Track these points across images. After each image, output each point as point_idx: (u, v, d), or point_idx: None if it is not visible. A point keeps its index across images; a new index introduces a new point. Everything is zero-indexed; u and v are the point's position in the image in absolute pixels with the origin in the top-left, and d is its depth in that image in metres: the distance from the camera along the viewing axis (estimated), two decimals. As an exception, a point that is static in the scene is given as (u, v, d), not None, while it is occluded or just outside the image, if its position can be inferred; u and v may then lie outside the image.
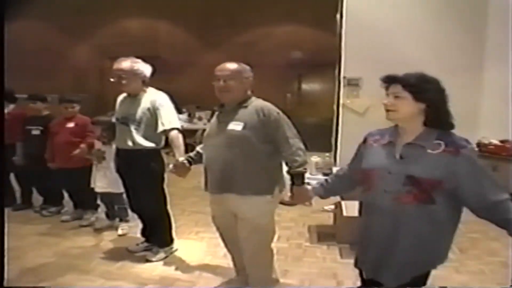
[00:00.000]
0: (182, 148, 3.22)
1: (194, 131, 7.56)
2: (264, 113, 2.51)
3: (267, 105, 2.58)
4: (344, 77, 5.73)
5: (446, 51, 5.17)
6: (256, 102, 2.60)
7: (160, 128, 3.30)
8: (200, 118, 8.49)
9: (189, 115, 8.56)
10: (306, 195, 2.41)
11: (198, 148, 2.96)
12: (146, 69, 3.42)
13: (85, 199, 4.61)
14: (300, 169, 2.48)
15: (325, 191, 2.28)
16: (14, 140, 4.80)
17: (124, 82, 3.31)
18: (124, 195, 3.94)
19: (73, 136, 4.35)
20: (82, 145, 4.23)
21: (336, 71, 5.90)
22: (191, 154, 2.95)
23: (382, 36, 5.41)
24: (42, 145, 4.56)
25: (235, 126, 2.50)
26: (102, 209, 4.61)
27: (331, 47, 8.48)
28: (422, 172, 1.69)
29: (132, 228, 4.26)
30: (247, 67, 2.66)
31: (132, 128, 3.32)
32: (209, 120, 8.02)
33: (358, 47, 5.46)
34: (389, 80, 1.81)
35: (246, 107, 2.57)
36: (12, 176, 5.14)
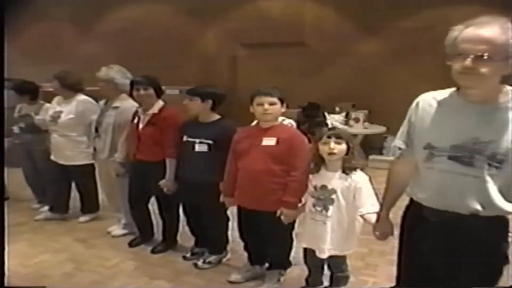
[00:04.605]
0: None
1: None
2: None
3: None
4: None
5: None
6: None
7: None
8: (357, 120, 6.63)
9: (347, 115, 6.72)
10: None
11: None
12: None
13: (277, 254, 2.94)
14: None
15: None
16: (164, 155, 3.23)
17: (484, 70, 1.50)
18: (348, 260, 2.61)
19: (273, 161, 2.61)
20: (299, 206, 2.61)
21: None
22: None
23: None
24: (211, 169, 2.92)
25: None
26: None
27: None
28: None
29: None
30: None
31: (472, 171, 1.57)
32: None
33: None
34: None
35: None
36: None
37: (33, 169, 4.40)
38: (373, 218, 2.19)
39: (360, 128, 6.52)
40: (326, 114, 5.55)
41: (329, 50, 7.48)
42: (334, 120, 6.20)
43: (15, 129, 4.39)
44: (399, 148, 1.88)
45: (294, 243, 2.91)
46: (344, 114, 6.73)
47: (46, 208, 4.36)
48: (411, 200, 1.89)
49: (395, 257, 3.28)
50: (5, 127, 4.26)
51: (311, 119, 4.98)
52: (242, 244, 3.08)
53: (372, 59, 7.20)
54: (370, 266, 3.31)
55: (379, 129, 6.71)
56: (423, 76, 6.79)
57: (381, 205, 2.05)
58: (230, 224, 3.26)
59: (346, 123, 6.55)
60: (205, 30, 8.30)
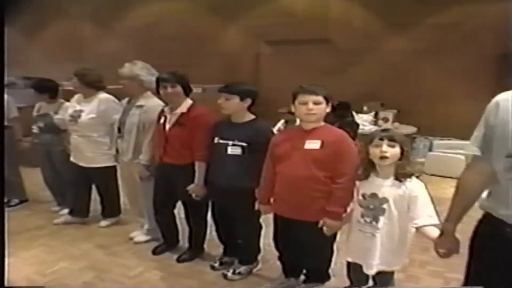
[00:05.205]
0: None
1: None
2: None
3: None
4: None
5: None
6: None
7: None
8: (386, 120, 6.34)
9: (375, 115, 6.44)
10: None
11: None
12: None
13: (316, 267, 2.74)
14: None
15: None
16: (193, 158, 3.01)
17: None
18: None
19: (317, 166, 2.36)
20: (344, 216, 2.38)
21: None
22: None
23: None
24: (245, 174, 2.71)
25: None
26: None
27: None
28: None
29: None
30: None
31: None
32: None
33: None
34: None
35: None
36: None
37: (52, 170, 4.22)
38: (432, 231, 1.96)
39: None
40: (354, 113, 5.32)
41: (355, 47, 7.20)
42: (363, 120, 5.95)
43: (34, 128, 4.23)
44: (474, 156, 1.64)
45: (335, 255, 2.68)
46: (373, 113, 6.46)
47: (65, 211, 4.17)
48: (485, 214, 1.65)
49: (437, 268, 3.09)
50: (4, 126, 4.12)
51: (341, 119, 4.73)
52: (274, 252, 2.86)
53: (400, 57, 6.91)
54: (412, 278, 3.07)
55: (409, 129, 6.42)
56: (453, 74, 6.51)
57: (447, 218, 1.81)
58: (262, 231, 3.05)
59: (375, 123, 6.27)
60: (227, 27, 8.11)
